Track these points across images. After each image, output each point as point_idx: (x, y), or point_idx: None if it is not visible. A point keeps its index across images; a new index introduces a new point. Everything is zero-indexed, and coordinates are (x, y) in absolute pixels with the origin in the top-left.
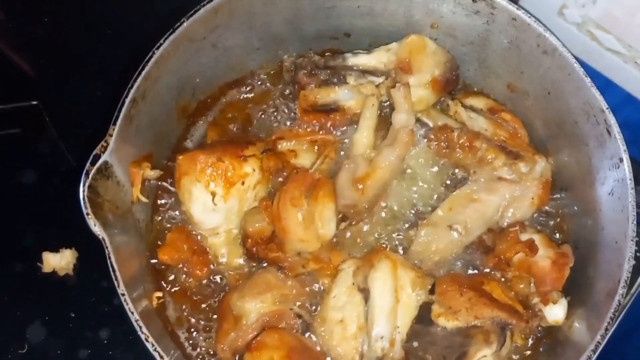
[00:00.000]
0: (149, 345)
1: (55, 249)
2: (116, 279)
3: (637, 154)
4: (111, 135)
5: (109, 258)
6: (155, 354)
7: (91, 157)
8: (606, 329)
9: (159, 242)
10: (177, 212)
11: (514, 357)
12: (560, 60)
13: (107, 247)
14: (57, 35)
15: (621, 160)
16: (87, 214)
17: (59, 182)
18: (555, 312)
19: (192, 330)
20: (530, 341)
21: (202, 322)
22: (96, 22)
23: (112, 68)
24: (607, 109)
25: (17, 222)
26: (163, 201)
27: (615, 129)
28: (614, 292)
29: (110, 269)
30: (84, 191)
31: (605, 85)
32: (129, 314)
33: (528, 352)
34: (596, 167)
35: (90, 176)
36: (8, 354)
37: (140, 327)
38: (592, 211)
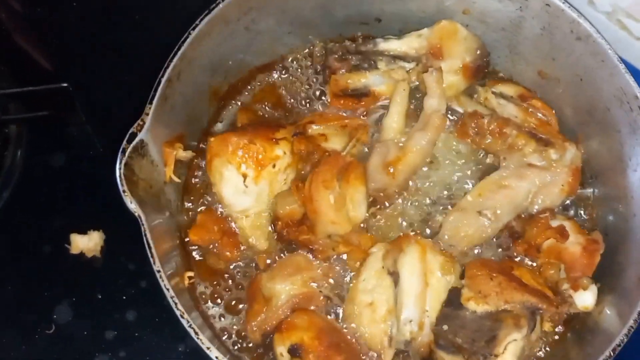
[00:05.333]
0: (184, 322)
1: (83, 231)
2: (152, 256)
3: None
4: (147, 114)
5: (145, 235)
6: (191, 331)
7: (127, 135)
8: (639, 314)
9: (189, 223)
10: (207, 194)
11: (542, 342)
12: (593, 46)
13: (142, 224)
14: (88, 19)
15: None
16: (124, 191)
17: (86, 165)
18: (585, 299)
19: (222, 310)
20: (560, 327)
21: (232, 303)
22: (127, 6)
23: (142, 55)
24: None
25: (46, 205)
26: (194, 182)
27: None
28: None
29: (146, 246)
30: (120, 169)
31: (634, 75)
32: (164, 290)
33: (557, 338)
34: (628, 154)
35: (126, 154)
36: (35, 334)
37: (175, 304)
38: (623, 198)
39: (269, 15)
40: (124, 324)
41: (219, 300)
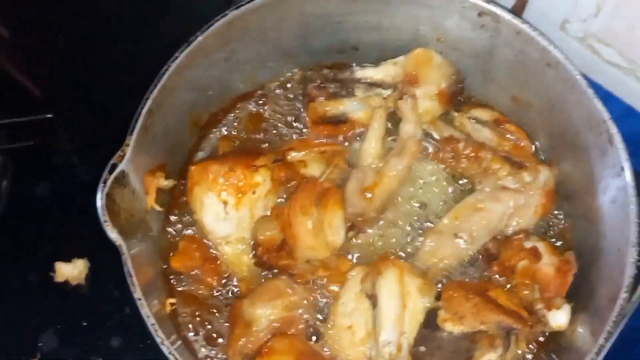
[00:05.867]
0: (164, 349)
1: (67, 259)
2: (132, 284)
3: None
4: (128, 145)
5: (125, 264)
6: (171, 357)
7: (109, 166)
8: (609, 332)
9: (171, 251)
10: (189, 221)
11: None
12: (563, 72)
13: (123, 254)
14: (73, 51)
15: (623, 169)
16: (105, 221)
17: (71, 194)
18: (559, 318)
19: (204, 336)
20: (534, 347)
21: (214, 329)
22: (111, 37)
23: (124, 83)
24: (609, 119)
25: (31, 234)
26: (175, 210)
27: (617, 139)
28: (616, 297)
29: (127, 275)
30: (101, 199)
31: (606, 98)
32: (145, 318)
33: (532, 358)
34: (598, 176)
35: (107, 184)
36: None
37: (156, 331)
38: (594, 219)
39: (248, 46)
40: (109, 350)
41: (201, 326)
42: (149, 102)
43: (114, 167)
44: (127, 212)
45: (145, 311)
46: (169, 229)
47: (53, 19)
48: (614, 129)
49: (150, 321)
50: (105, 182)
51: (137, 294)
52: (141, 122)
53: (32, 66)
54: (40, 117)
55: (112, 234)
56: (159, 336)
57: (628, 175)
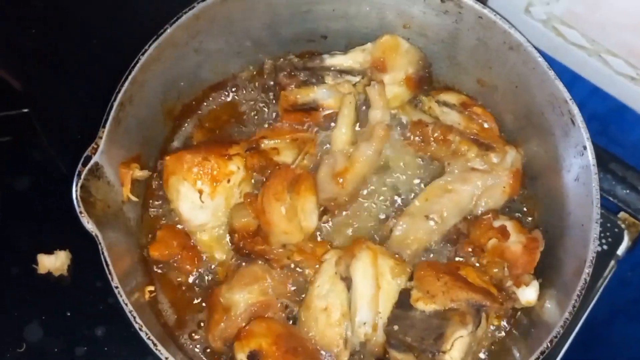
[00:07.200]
0: (142, 334)
1: (49, 251)
2: (110, 273)
3: (606, 144)
4: (101, 138)
5: (102, 253)
6: (149, 342)
7: (82, 158)
8: (574, 306)
9: (149, 239)
10: (166, 210)
11: (490, 338)
12: (524, 55)
13: (100, 243)
14: (46, 45)
15: (585, 147)
16: (80, 212)
17: (51, 187)
18: (528, 294)
19: (184, 322)
20: (505, 323)
21: (193, 315)
22: (83, 32)
23: (99, 77)
24: (570, 99)
25: (12, 227)
26: (152, 200)
27: (579, 118)
28: (580, 271)
29: (104, 263)
30: (76, 191)
31: (572, 79)
32: (123, 305)
33: (503, 333)
34: (562, 155)
35: (82, 177)
36: (7, 353)
37: (134, 317)
38: (559, 197)
39: (217, 37)
40: (93, 339)
41: (180, 313)
42: (119, 95)
43: (88, 159)
44: (103, 203)
45: (123, 298)
46: (147, 219)
47: (26, 14)
48: (575, 109)
49: (128, 308)
50: (79, 174)
51: (114, 281)
52: (113, 115)
53: (9, 61)
54: (17, 112)
55: (88, 225)
56: (137, 322)
57: (590, 154)
